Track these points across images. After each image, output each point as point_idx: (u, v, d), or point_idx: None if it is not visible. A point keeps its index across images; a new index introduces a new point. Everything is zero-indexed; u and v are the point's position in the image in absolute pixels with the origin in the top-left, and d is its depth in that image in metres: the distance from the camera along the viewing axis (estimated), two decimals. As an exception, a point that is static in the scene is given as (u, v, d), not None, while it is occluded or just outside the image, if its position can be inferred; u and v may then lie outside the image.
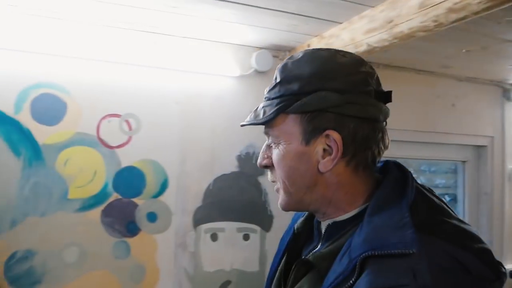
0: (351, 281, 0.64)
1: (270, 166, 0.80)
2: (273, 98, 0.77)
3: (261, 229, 2.12)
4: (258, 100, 2.38)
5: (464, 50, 2.06)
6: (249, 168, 2.10)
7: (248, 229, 2.10)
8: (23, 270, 1.69)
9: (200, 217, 2.01)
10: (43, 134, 1.74)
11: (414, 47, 2.04)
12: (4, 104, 1.68)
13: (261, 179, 2.12)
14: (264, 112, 0.77)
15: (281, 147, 0.77)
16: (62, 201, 1.76)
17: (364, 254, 0.64)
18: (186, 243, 1.98)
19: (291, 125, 0.75)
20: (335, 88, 0.72)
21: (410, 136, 2.53)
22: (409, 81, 2.51)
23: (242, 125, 0.83)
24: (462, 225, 0.71)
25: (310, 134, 0.73)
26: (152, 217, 1.91)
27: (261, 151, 0.82)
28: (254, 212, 2.11)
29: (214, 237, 2.03)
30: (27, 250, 1.70)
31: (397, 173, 0.77)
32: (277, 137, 0.77)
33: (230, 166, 2.07)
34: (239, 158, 2.08)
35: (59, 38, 1.76)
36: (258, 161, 0.82)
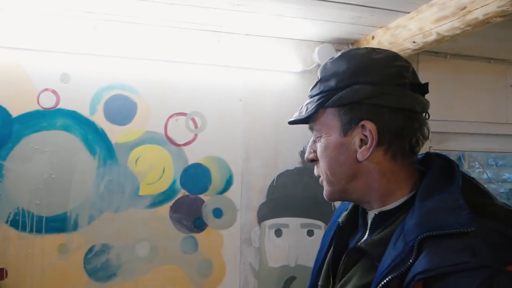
0: (408, 263, 0.66)
1: (316, 160, 0.85)
2: (314, 95, 0.83)
3: (325, 224, 2.10)
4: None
5: (542, 35, 1.93)
6: (313, 164, 2.08)
7: (312, 225, 2.08)
8: (100, 263, 1.78)
9: (264, 213, 2.03)
10: (115, 133, 1.82)
11: (485, 35, 1.93)
12: (80, 106, 1.78)
13: (324, 175, 2.09)
14: (307, 109, 0.83)
15: (322, 139, 0.82)
16: (134, 198, 1.83)
17: (421, 236, 0.67)
18: (251, 239, 2.00)
19: (330, 118, 0.80)
20: (368, 81, 0.76)
21: (480, 128, 2.40)
22: (479, 70, 2.38)
23: (290, 123, 0.87)
24: (508, 207, 0.73)
25: (347, 125, 0.78)
26: (218, 213, 1.95)
27: (308, 146, 0.87)
28: (318, 207, 2.09)
29: (278, 233, 2.04)
30: (103, 244, 1.79)
31: (441, 161, 0.80)
32: (319, 131, 0.82)
33: (294, 162, 2.07)
34: (303, 154, 2.07)
35: (128, 41, 1.83)
36: (306, 155, 0.87)
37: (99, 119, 1.80)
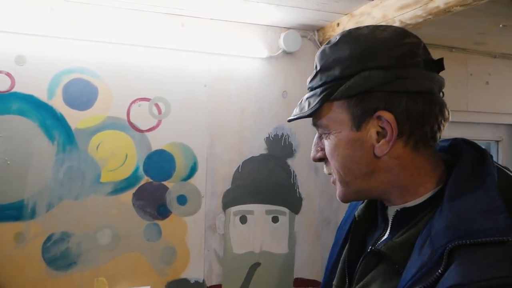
0: (437, 273, 0.58)
1: (324, 159, 0.76)
2: (315, 88, 0.73)
3: (290, 211, 2.12)
4: (287, 81, 2.33)
5: (501, 25, 1.97)
6: (278, 150, 2.08)
7: (277, 212, 2.09)
8: (59, 252, 1.73)
9: (229, 200, 2.02)
10: (75, 118, 1.76)
11: (447, 24, 1.96)
12: (38, 90, 1.71)
13: (290, 161, 2.10)
14: (309, 104, 0.73)
15: (331, 137, 0.73)
16: (95, 185, 1.79)
17: (451, 244, 0.58)
18: (216, 226, 1.99)
19: (339, 112, 0.71)
20: (379, 65, 0.67)
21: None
22: (441, 59, 2.43)
23: (289, 120, 0.78)
24: None
25: (360, 118, 0.69)
26: (182, 200, 1.93)
27: (313, 144, 0.78)
28: (283, 194, 2.10)
29: (243, 220, 2.04)
30: (62, 232, 1.74)
31: (472, 151, 0.71)
32: (326, 127, 0.73)
33: (259, 148, 2.06)
34: (268, 140, 2.07)
35: (89, 23, 1.76)
36: (312, 154, 0.78)
37: (58, 104, 1.74)
